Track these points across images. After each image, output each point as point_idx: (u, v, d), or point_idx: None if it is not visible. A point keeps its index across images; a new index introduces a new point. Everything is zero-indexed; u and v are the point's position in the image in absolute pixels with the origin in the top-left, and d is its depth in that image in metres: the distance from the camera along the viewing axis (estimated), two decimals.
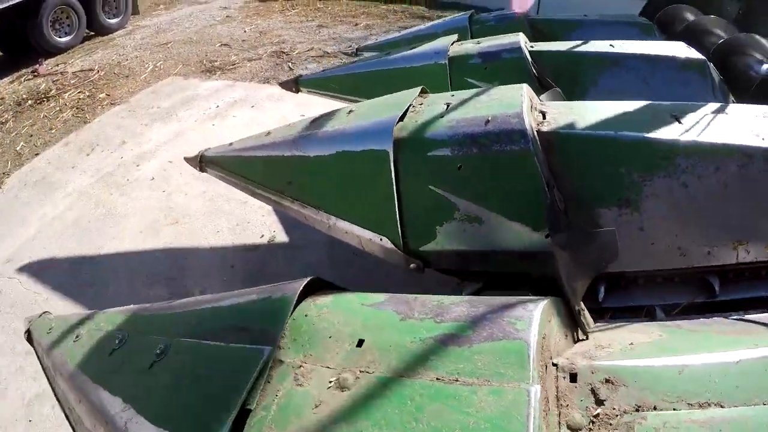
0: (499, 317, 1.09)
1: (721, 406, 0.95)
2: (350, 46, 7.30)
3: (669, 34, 4.08)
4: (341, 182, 2.12)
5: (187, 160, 2.69)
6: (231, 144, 2.59)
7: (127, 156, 4.48)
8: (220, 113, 5.23)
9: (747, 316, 1.57)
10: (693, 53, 3.01)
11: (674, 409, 0.95)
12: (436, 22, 4.63)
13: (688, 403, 0.96)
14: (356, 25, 8.20)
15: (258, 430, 0.98)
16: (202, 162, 2.60)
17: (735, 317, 1.59)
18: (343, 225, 2.12)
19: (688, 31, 3.91)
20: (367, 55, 4.51)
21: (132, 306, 1.61)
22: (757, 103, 2.49)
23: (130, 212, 3.80)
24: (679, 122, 2.00)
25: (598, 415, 0.95)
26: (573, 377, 1.03)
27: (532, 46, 3.17)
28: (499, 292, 1.63)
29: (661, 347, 1.19)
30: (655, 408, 0.95)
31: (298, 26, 8.18)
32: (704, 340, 1.28)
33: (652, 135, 1.88)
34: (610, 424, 0.93)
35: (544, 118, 2.02)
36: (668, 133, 1.90)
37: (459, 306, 1.18)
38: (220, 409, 1.03)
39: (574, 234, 1.69)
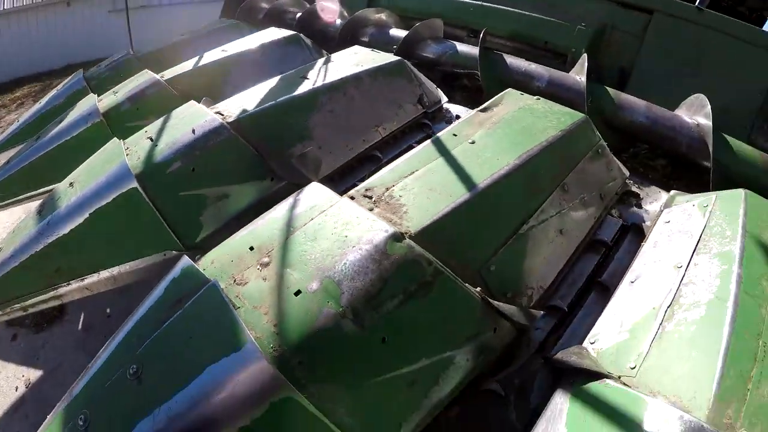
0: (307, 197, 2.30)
1: (414, 171, 2.41)
2: None
3: (254, 23, 5.62)
4: (108, 234, 2.81)
5: None
6: None
7: None
8: None
9: None
10: (285, 32, 4.54)
11: (401, 180, 2.32)
12: (51, 94, 5.17)
13: (404, 176, 2.36)
14: None
15: (250, 316, 1.78)
16: None
17: None
18: (128, 267, 2.80)
19: (269, 16, 5.54)
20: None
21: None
22: (341, 48, 4.13)
23: None
24: (307, 78, 3.40)
25: (374, 201, 2.24)
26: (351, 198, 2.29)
27: (162, 76, 4.22)
28: None
29: (385, 179, 2.48)
30: (394, 185, 2.31)
31: None
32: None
33: (298, 92, 3.24)
34: (381, 198, 2.24)
35: (223, 114, 3.15)
36: (306, 86, 3.28)
37: (276, 210, 2.28)
38: (234, 336, 1.75)
39: (297, 166, 2.92)
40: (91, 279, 2.84)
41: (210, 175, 2.86)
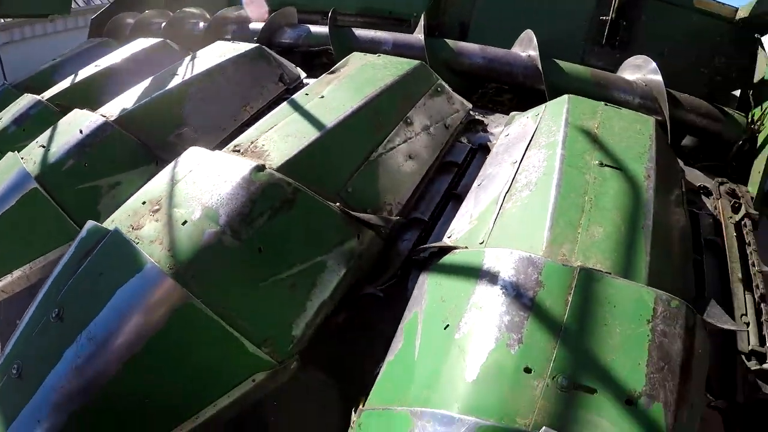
0: None
1: (274, 126, 2.97)
2: None
3: (122, 38, 6.05)
4: (16, 236, 3.20)
5: None
6: None
7: None
8: None
9: None
10: (153, 40, 5.04)
11: (263, 134, 2.88)
12: None
13: (266, 131, 2.92)
14: None
15: (148, 249, 2.23)
16: None
17: None
18: (38, 263, 3.17)
19: (136, 29, 6.01)
20: None
21: None
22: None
23: None
24: (177, 74, 3.93)
25: (242, 152, 2.76)
26: None
27: (43, 97, 4.57)
28: None
29: (250, 135, 3.03)
30: (257, 138, 2.85)
31: None
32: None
33: (170, 86, 3.76)
34: (248, 150, 2.77)
35: (106, 116, 3.59)
36: (177, 81, 3.82)
37: (162, 172, 2.75)
38: (137, 262, 2.21)
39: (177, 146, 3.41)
40: (6, 281, 3.20)
41: (102, 168, 3.31)
